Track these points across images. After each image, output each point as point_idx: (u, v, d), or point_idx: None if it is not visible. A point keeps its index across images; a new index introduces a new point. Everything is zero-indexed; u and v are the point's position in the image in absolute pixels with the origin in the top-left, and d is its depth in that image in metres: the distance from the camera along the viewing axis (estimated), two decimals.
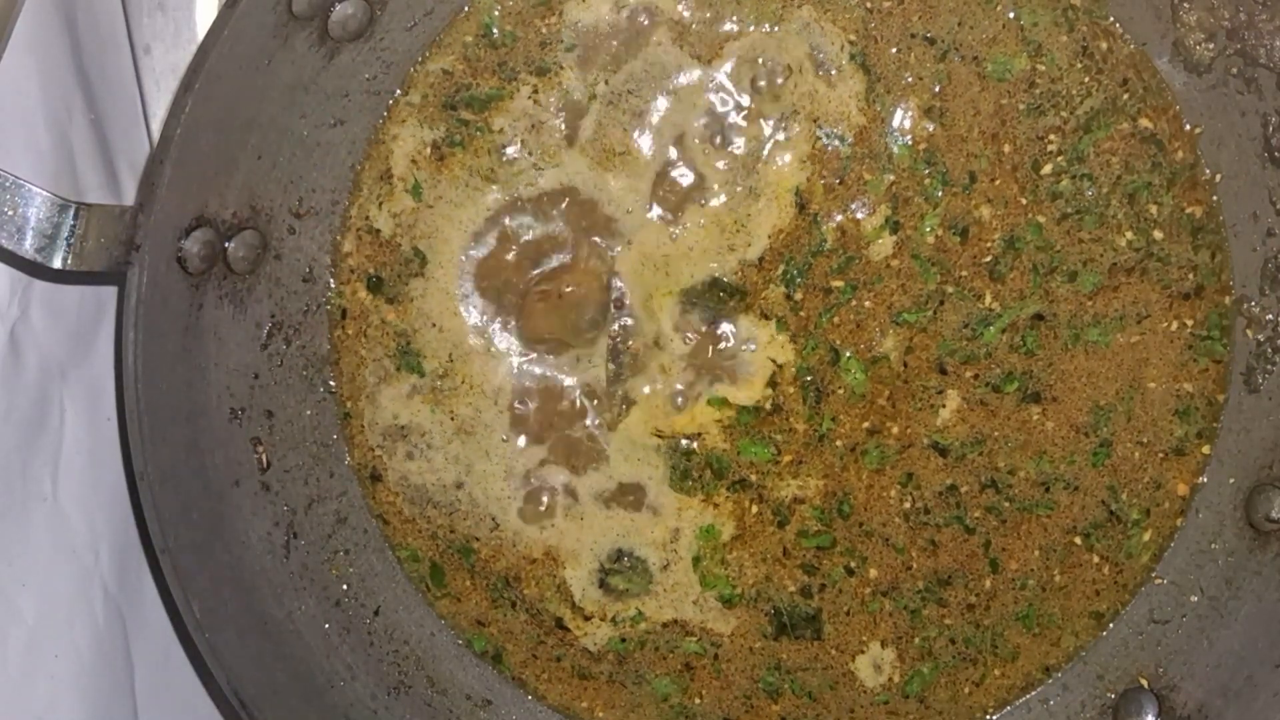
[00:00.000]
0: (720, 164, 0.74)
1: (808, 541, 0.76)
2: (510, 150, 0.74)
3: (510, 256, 0.75)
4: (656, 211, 0.74)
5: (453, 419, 0.76)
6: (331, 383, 0.77)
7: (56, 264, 0.65)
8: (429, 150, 0.74)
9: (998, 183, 0.73)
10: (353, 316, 0.76)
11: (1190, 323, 0.73)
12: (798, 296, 0.74)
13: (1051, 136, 0.72)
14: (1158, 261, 0.73)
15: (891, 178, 0.73)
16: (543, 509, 0.77)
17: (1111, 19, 0.72)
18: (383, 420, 0.77)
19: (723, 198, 0.74)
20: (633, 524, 0.76)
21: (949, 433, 0.75)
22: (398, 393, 0.76)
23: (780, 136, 0.73)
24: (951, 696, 0.77)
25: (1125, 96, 0.72)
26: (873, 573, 0.76)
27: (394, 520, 0.77)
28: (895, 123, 0.73)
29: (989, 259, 0.74)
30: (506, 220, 0.75)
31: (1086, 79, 0.72)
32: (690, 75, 0.73)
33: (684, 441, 0.76)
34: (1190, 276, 0.73)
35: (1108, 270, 0.73)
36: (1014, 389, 0.74)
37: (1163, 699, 0.73)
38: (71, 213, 0.65)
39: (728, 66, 0.73)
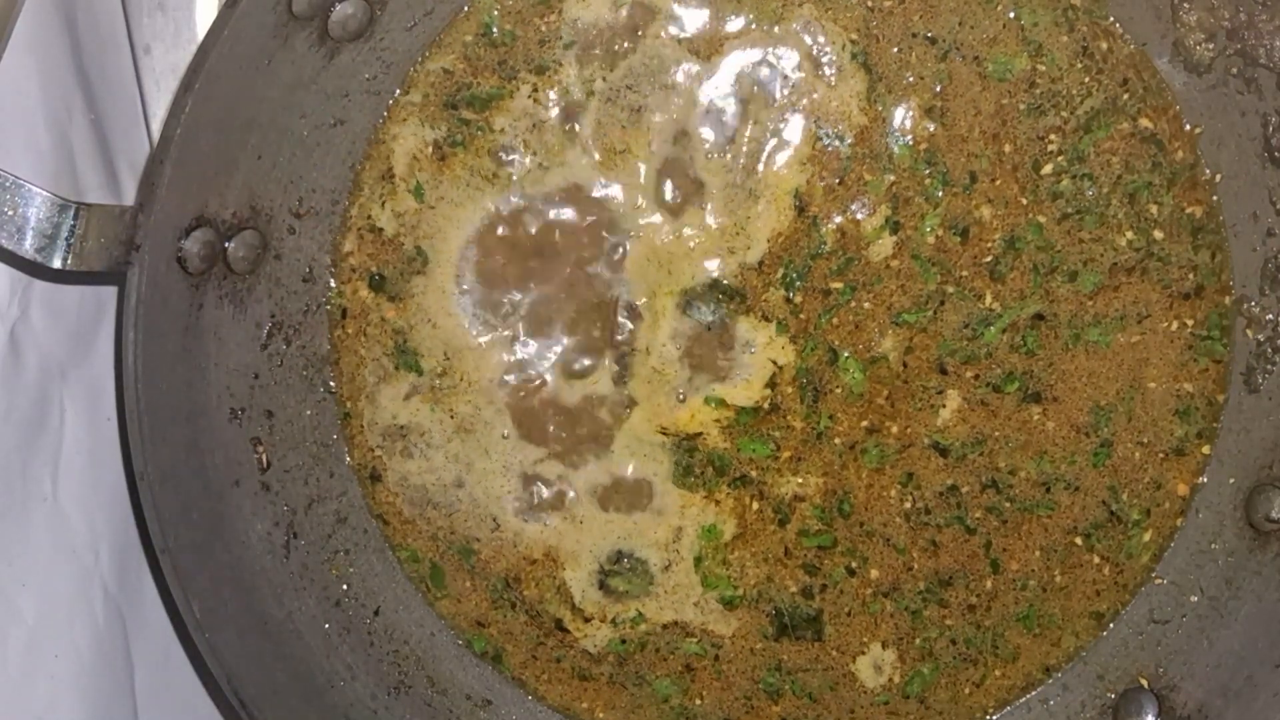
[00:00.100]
0: (720, 164, 0.74)
1: (809, 541, 0.76)
2: (513, 150, 0.74)
3: (511, 255, 0.75)
4: (659, 209, 0.74)
5: (452, 417, 0.76)
6: (331, 383, 0.77)
7: (56, 264, 0.64)
8: (430, 150, 0.74)
9: (998, 183, 0.73)
10: (353, 316, 0.76)
11: (1190, 323, 0.73)
12: (797, 299, 0.74)
13: (1052, 136, 0.72)
14: (1158, 261, 0.73)
15: (892, 178, 0.73)
16: (543, 508, 0.77)
17: (1111, 19, 0.72)
18: (382, 420, 0.77)
19: (722, 199, 0.74)
20: (635, 525, 0.76)
21: (949, 433, 0.75)
22: (397, 392, 0.76)
23: (780, 137, 0.73)
24: (952, 697, 0.77)
25: (1125, 96, 0.72)
26: (874, 573, 0.76)
27: (394, 520, 0.77)
28: (896, 123, 0.73)
29: (989, 259, 0.74)
30: (508, 218, 0.75)
31: (1087, 79, 0.72)
32: (690, 73, 0.73)
33: (685, 441, 0.76)
34: (1190, 276, 0.73)
35: (1108, 270, 0.73)
36: (1014, 389, 0.74)
37: (1163, 699, 0.73)
38: (71, 213, 0.64)
39: (728, 65, 0.73)
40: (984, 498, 0.75)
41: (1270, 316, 0.72)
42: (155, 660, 0.80)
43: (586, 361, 0.76)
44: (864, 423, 0.75)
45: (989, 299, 0.74)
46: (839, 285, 0.74)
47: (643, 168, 0.74)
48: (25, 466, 0.73)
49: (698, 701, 0.78)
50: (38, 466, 0.74)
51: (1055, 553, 0.75)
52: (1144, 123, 0.72)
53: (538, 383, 0.76)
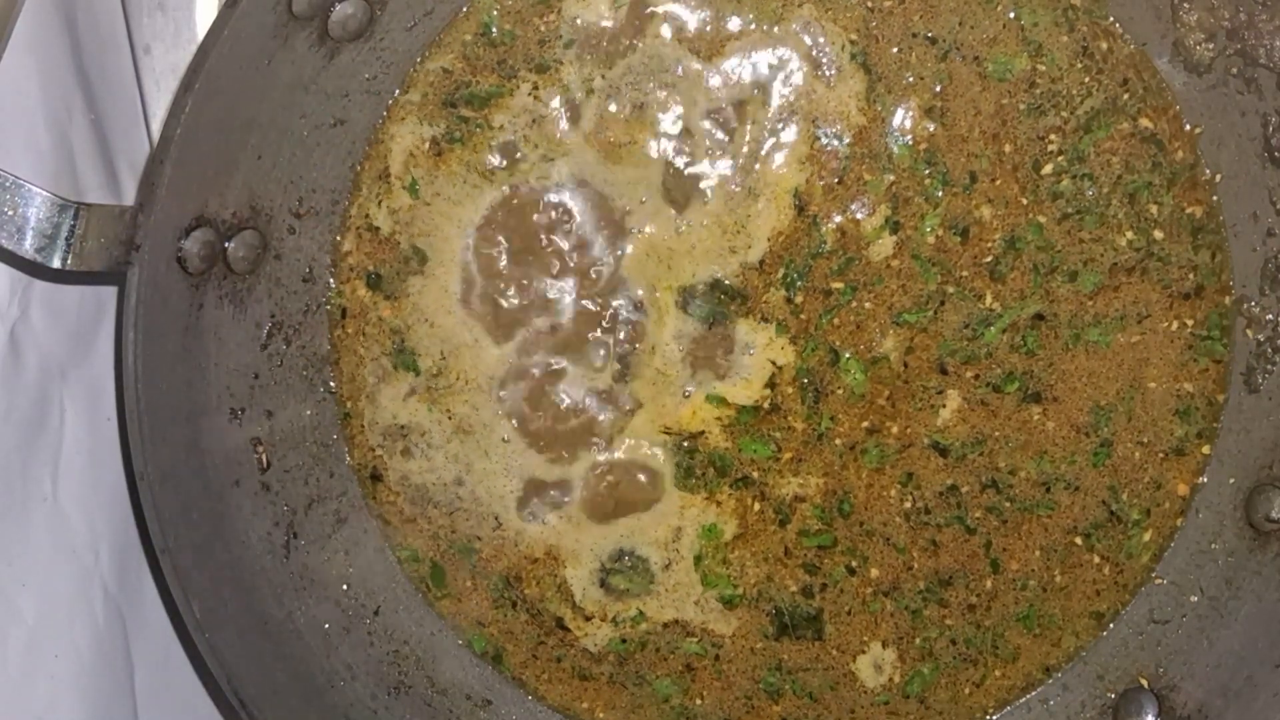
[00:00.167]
0: (721, 163, 0.74)
1: (809, 541, 0.76)
2: (513, 146, 0.74)
3: (511, 252, 0.75)
4: (661, 205, 0.74)
5: (450, 417, 0.76)
6: (331, 383, 0.77)
7: (56, 264, 0.64)
8: (427, 146, 0.74)
9: (998, 183, 0.73)
10: (352, 316, 0.76)
11: (1190, 323, 0.73)
12: (798, 300, 0.74)
13: (1052, 136, 0.72)
14: (1158, 261, 0.73)
15: (891, 178, 0.73)
16: (544, 507, 0.77)
17: (1111, 19, 0.72)
18: (383, 420, 0.77)
19: (723, 197, 0.74)
20: (636, 523, 0.76)
21: (949, 433, 0.75)
22: (397, 392, 0.76)
23: (779, 137, 0.73)
24: (952, 697, 0.77)
25: (1125, 96, 0.72)
26: (874, 572, 0.76)
27: (394, 520, 0.77)
28: (896, 122, 0.73)
29: (989, 259, 0.74)
30: (507, 215, 0.75)
31: (1087, 79, 0.72)
32: (690, 71, 0.73)
33: (686, 442, 0.76)
34: (1190, 276, 0.73)
35: (1108, 270, 0.73)
36: (1014, 389, 0.74)
37: (1163, 699, 0.73)
38: (71, 213, 0.64)
39: (727, 65, 0.73)
40: (984, 497, 0.75)
41: (1270, 316, 0.72)
42: (155, 660, 0.80)
43: (587, 360, 0.76)
44: (865, 423, 0.75)
45: (989, 299, 0.74)
46: (840, 285, 0.74)
47: (645, 163, 0.74)
48: (25, 466, 0.73)
49: (698, 701, 0.78)
50: (38, 466, 0.74)
51: (1055, 553, 0.75)
52: (1144, 123, 0.72)
53: (538, 382, 0.76)
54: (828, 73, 0.73)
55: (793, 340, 0.75)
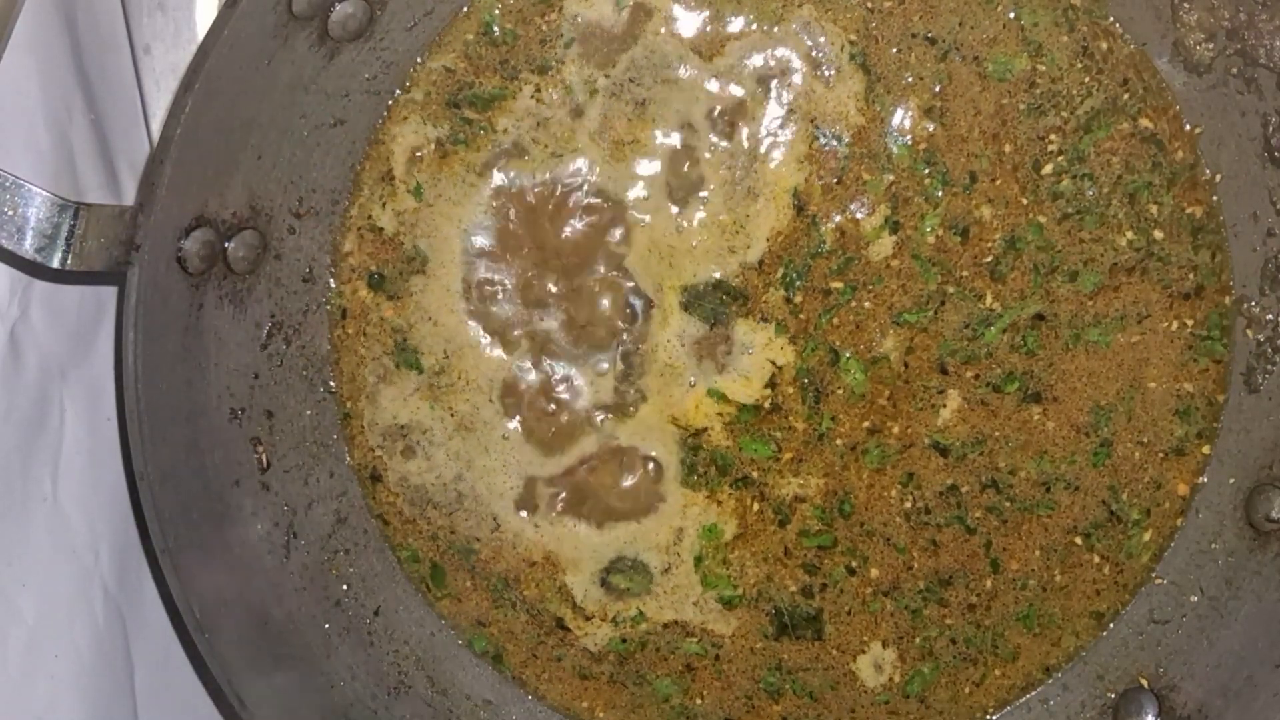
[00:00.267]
0: (720, 161, 0.74)
1: (809, 541, 0.76)
2: (518, 147, 0.74)
3: (513, 250, 0.75)
4: (664, 202, 0.74)
5: (451, 415, 0.76)
6: (331, 383, 0.77)
7: (56, 264, 0.64)
8: (432, 146, 0.74)
9: (998, 183, 0.73)
10: (353, 316, 0.76)
11: (1190, 323, 0.73)
12: (797, 300, 0.74)
13: (1052, 136, 0.72)
14: (1158, 261, 0.73)
15: (891, 178, 0.73)
16: (545, 506, 0.76)
17: (1111, 19, 0.72)
18: (383, 420, 0.77)
19: (723, 196, 0.74)
20: (637, 524, 0.76)
21: (950, 433, 0.75)
22: (397, 392, 0.76)
23: (777, 136, 0.73)
24: (952, 696, 0.77)
25: (1125, 96, 0.72)
26: (874, 572, 0.76)
27: (394, 520, 0.77)
28: (895, 122, 0.73)
29: (990, 259, 0.74)
30: (508, 212, 0.75)
31: (1087, 79, 0.72)
32: (691, 69, 0.73)
33: (690, 438, 0.76)
34: (1190, 276, 0.73)
35: (1108, 270, 0.73)
36: (1015, 389, 0.74)
37: (1163, 699, 0.73)
38: (71, 213, 0.64)
39: (727, 64, 0.73)
40: (984, 497, 0.75)
41: (1270, 316, 0.72)
42: (155, 660, 0.80)
43: (591, 358, 0.76)
44: (865, 423, 0.75)
45: (989, 299, 0.74)
46: (839, 285, 0.74)
47: (649, 159, 0.74)
48: (25, 466, 0.73)
49: (698, 701, 0.78)
50: (38, 466, 0.74)
51: (1055, 552, 0.75)
52: (1144, 123, 0.72)
53: (540, 380, 0.76)
54: (827, 73, 0.73)
55: (792, 340, 0.75)
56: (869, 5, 0.72)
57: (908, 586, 0.76)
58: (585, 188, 0.75)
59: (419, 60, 0.74)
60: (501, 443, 0.76)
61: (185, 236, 0.67)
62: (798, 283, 0.74)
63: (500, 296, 0.76)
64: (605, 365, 0.75)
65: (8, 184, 0.64)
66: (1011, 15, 0.72)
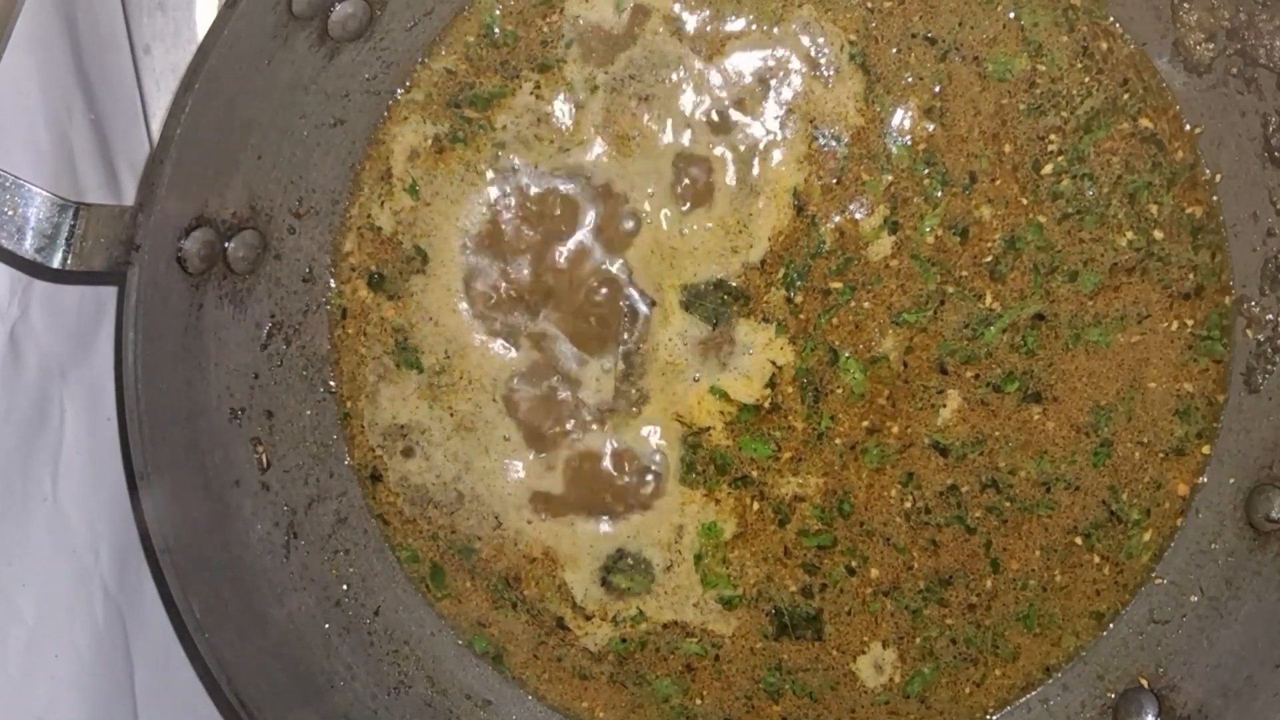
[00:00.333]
0: (721, 160, 0.74)
1: (808, 541, 0.76)
2: (517, 144, 0.74)
3: (515, 248, 0.75)
4: (669, 200, 0.74)
5: (451, 415, 0.76)
6: (331, 383, 0.77)
7: (56, 264, 0.64)
8: (430, 143, 0.74)
9: (998, 183, 0.73)
10: (353, 316, 0.76)
11: (1190, 323, 0.73)
12: (798, 299, 0.74)
13: (1052, 136, 0.72)
14: (1158, 261, 0.73)
15: (890, 178, 0.73)
16: (544, 505, 0.76)
17: (1111, 19, 0.72)
18: (383, 420, 0.77)
19: (725, 195, 0.74)
20: (638, 521, 0.76)
21: (949, 432, 0.75)
22: (398, 391, 0.76)
23: (777, 135, 0.73)
24: (952, 697, 0.77)
25: (1125, 96, 0.72)
26: (874, 572, 0.76)
27: (394, 520, 0.77)
28: (895, 123, 0.73)
29: (989, 259, 0.74)
30: (509, 211, 0.75)
31: (1087, 79, 0.72)
32: (691, 67, 0.73)
33: (691, 436, 0.76)
34: (1190, 276, 0.73)
35: (1108, 270, 0.73)
36: (1015, 389, 0.74)
37: (1163, 699, 0.73)
38: (71, 213, 0.64)
39: (727, 64, 0.73)
40: (984, 497, 0.75)
41: (1270, 316, 0.72)
42: (155, 660, 0.80)
43: (591, 357, 0.76)
44: (865, 423, 0.75)
45: (989, 299, 0.74)
46: (839, 285, 0.74)
47: (653, 157, 0.74)
48: (25, 466, 0.73)
49: (698, 701, 0.78)
50: (38, 466, 0.74)
51: (1055, 552, 0.75)
52: (1144, 123, 0.72)
53: (541, 379, 0.76)
54: (826, 73, 0.73)
55: (792, 340, 0.75)
56: (869, 5, 0.72)
57: (908, 586, 0.76)
58: (587, 185, 0.75)
59: (419, 60, 0.74)
60: (502, 443, 0.76)
61: (185, 236, 0.67)
62: (798, 283, 0.74)
63: (501, 296, 0.76)
64: (607, 365, 0.75)
65: (8, 184, 0.64)
66: (1011, 15, 0.72)
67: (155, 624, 0.80)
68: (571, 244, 0.75)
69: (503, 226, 0.75)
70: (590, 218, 0.75)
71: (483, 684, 0.78)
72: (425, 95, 0.74)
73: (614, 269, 0.75)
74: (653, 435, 0.76)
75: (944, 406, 0.75)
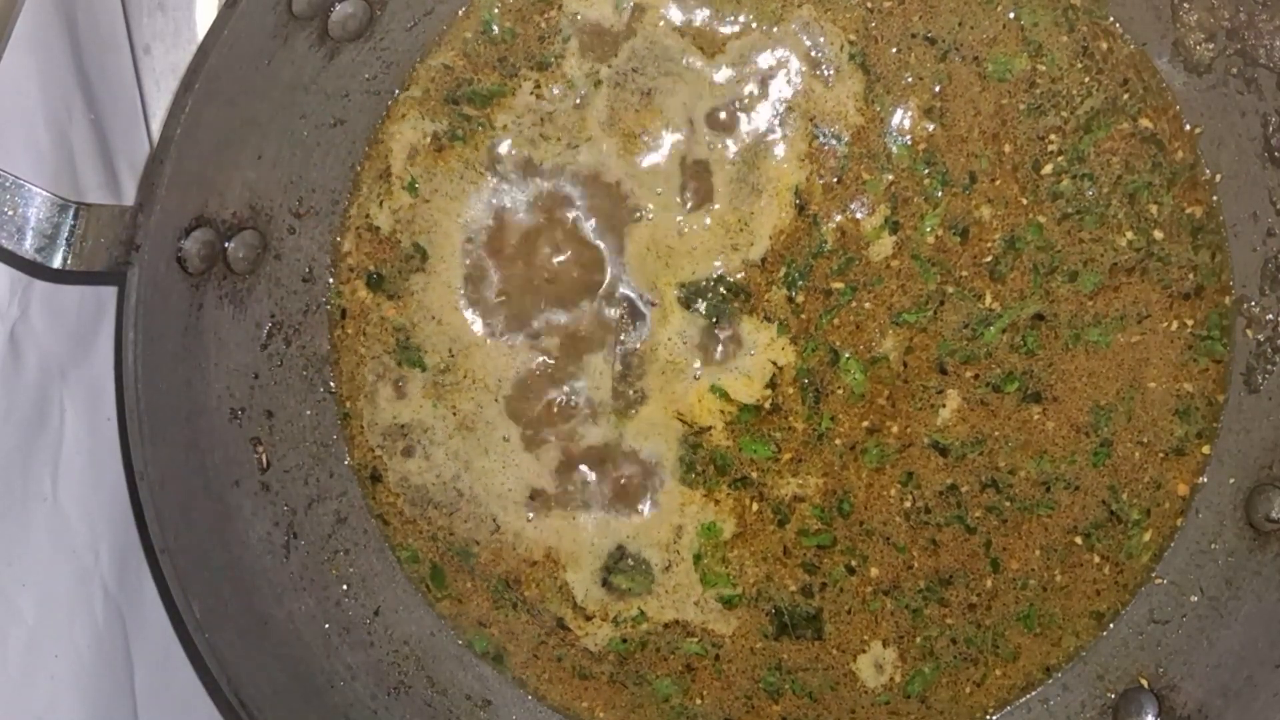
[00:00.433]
0: (722, 158, 0.74)
1: (808, 540, 0.76)
2: (518, 143, 0.74)
3: (516, 247, 0.75)
4: (674, 197, 0.74)
5: (454, 413, 0.76)
6: (331, 383, 0.77)
7: (56, 264, 0.64)
8: (429, 141, 0.74)
9: (998, 183, 0.73)
10: (352, 316, 0.76)
11: (1190, 323, 0.73)
12: (799, 299, 0.74)
13: (1052, 136, 0.72)
14: (1158, 261, 0.73)
15: (890, 177, 0.73)
16: (544, 504, 0.76)
17: (1111, 19, 0.72)
18: (383, 420, 0.77)
19: (727, 193, 0.74)
20: (638, 521, 0.76)
21: (949, 432, 0.75)
22: (398, 391, 0.76)
23: (778, 134, 0.73)
24: (953, 696, 0.77)
25: (1125, 96, 0.72)
26: (874, 572, 0.76)
27: (394, 521, 0.77)
28: (895, 122, 0.73)
29: (989, 259, 0.74)
30: (509, 210, 0.75)
31: (1087, 79, 0.72)
32: (692, 64, 0.73)
33: (692, 436, 0.76)
34: (1190, 276, 0.73)
35: (1108, 270, 0.73)
36: (1014, 389, 0.74)
37: (1163, 699, 0.73)
38: (71, 213, 0.64)
39: (727, 63, 0.73)
40: (984, 497, 0.75)
41: (1270, 316, 0.72)
42: (155, 660, 0.80)
43: (592, 357, 0.76)
44: (865, 423, 0.75)
45: (989, 299, 0.74)
46: (840, 285, 0.74)
47: (658, 154, 0.74)
48: (25, 466, 0.73)
49: (698, 701, 0.78)
50: (38, 466, 0.74)
51: (1055, 552, 0.75)
52: (1144, 123, 0.72)
53: (543, 379, 0.76)
54: (826, 73, 0.73)
55: (793, 340, 0.75)
56: (869, 5, 0.72)
57: (908, 586, 0.76)
58: (588, 183, 0.74)
59: (419, 60, 0.74)
60: (502, 443, 0.76)
61: (185, 236, 0.67)
62: (800, 282, 0.74)
63: (502, 295, 0.76)
64: (606, 364, 0.75)
65: (8, 184, 0.64)
66: (1011, 15, 0.72)
67: (155, 624, 0.80)
68: (572, 242, 0.75)
69: (503, 224, 0.75)
70: (591, 216, 0.75)
71: (483, 684, 0.78)
72: (423, 91, 0.74)
73: (614, 267, 0.75)
74: (653, 435, 0.76)
75: (944, 406, 0.75)
